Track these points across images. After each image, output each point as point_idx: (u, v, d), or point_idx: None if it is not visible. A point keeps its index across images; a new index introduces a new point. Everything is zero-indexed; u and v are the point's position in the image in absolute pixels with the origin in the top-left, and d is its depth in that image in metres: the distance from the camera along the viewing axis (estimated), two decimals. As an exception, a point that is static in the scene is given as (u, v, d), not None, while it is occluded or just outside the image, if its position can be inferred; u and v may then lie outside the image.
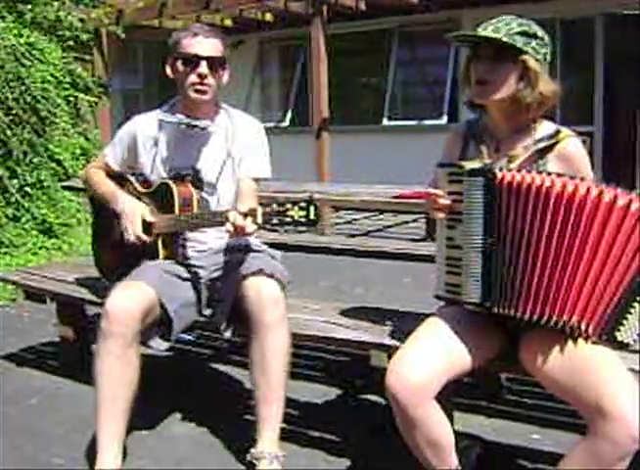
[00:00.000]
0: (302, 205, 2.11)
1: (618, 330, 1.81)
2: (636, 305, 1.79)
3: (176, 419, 2.82)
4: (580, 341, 1.82)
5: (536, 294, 1.82)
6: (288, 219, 2.11)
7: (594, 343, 1.82)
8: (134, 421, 2.38)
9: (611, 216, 1.73)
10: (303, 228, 2.14)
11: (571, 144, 1.98)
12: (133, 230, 2.49)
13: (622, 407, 1.65)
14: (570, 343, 1.82)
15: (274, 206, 2.13)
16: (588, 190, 1.73)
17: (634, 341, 1.83)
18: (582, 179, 1.78)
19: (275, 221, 2.13)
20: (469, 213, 1.89)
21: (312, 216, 2.12)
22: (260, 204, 2.17)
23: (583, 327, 1.80)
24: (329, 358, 3.47)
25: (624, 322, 1.80)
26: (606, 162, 7.98)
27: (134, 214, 2.51)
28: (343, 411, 2.92)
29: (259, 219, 2.13)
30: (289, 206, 2.11)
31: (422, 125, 8.84)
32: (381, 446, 2.53)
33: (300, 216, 2.11)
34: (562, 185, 1.76)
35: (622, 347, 1.85)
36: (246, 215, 2.15)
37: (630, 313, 1.80)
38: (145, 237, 2.49)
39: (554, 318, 1.80)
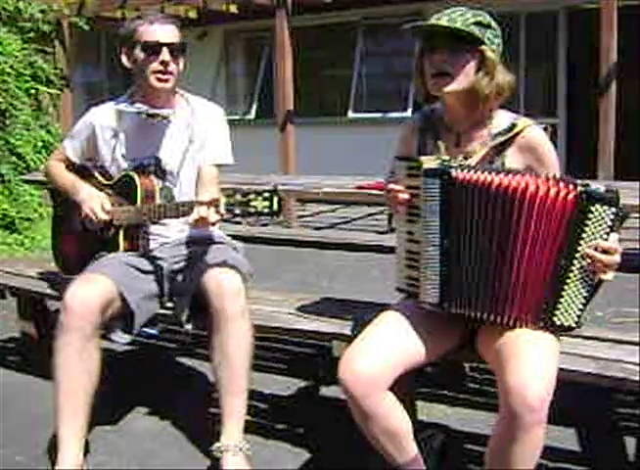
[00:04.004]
0: (266, 195, 2.08)
1: (554, 315, 1.83)
2: (567, 287, 1.81)
3: (140, 414, 2.81)
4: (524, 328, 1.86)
5: (491, 294, 1.85)
6: (251, 210, 2.08)
7: (539, 329, 1.85)
8: (97, 417, 2.36)
9: (555, 209, 1.75)
10: (267, 219, 2.09)
11: (533, 132, 1.96)
12: (95, 213, 2.46)
13: (518, 379, 1.68)
14: (511, 329, 1.86)
15: (237, 196, 2.10)
16: (537, 188, 1.75)
17: (576, 323, 1.84)
18: (537, 176, 1.79)
19: (238, 212, 2.10)
20: (426, 213, 1.89)
21: (275, 207, 2.09)
22: (227, 195, 2.14)
23: (524, 317, 1.84)
24: (294, 350, 3.47)
25: (559, 306, 1.82)
26: (569, 153, 8.08)
27: (92, 200, 2.48)
28: (309, 403, 2.93)
29: (222, 209, 2.11)
30: (252, 196, 2.08)
31: (387, 118, 8.87)
32: (346, 437, 2.54)
33: (264, 207, 2.07)
34: (515, 184, 1.76)
35: (566, 331, 1.87)
36: (208, 206, 2.14)
37: (562, 296, 1.81)
38: (105, 216, 2.46)
39: (510, 317, 1.85)
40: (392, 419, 1.89)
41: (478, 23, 1.90)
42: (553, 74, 8.24)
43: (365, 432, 1.92)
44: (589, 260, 1.77)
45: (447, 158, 1.95)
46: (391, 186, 1.96)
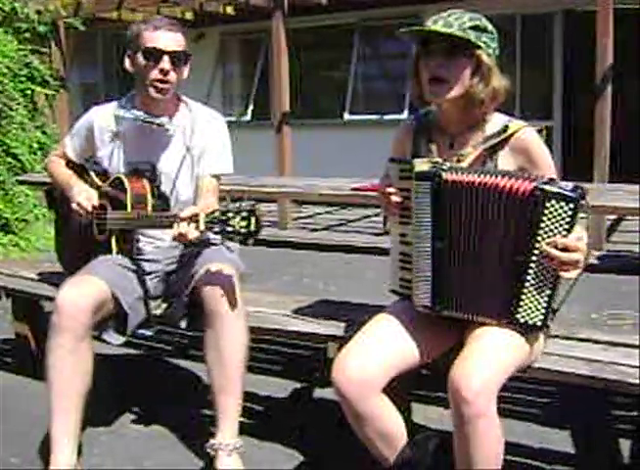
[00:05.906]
0: (244, 214, 2.02)
1: (517, 312, 1.83)
2: (527, 284, 1.81)
3: (134, 416, 2.80)
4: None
5: (475, 295, 1.87)
6: (229, 229, 2.02)
7: (505, 327, 1.86)
8: (91, 418, 2.35)
9: (514, 205, 1.78)
10: (242, 239, 1.98)
11: (525, 134, 1.96)
12: (82, 208, 2.46)
13: (456, 373, 1.71)
14: (480, 327, 1.88)
15: (216, 213, 2.05)
16: (504, 186, 1.77)
17: (542, 322, 1.84)
18: (531, 179, 1.79)
19: (217, 229, 2.04)
20: (417, 216, 1.90)
21: (253, 228, 2.01)
22: (208, 213, 2.08)
23: (491, 315, 1.86)
24: (290, 352, 3.47)
25: (521, 303, 1.82)
26: (564, 156, 8.09)
27: (81, 196, 2.49)
28: (304, 405, 2.92)
29: (202, 226, 2.06)
30: (230, 215, 2.02)
31: (383, 120, 8.88)
32: (340, 439, 2.53)
33: (242, 227, 2.01)
34: (490, 183, 1.79)
35: (532, 329, 1.86)
36: (188, 222, 2.11)
37: (523, 293, 1.82)
38: (90, 207, 2.46)
39: (483, 315, 1.88)
40: (386, 421, 1.89)
41: (474, 28, 1.89)
42: (549, 76, 8.25)
43: (359, 434, 1.92)
44: (548, 258, 1.77)
45: (439, 160, 1.95)
46: (385, 189, 1.96)
